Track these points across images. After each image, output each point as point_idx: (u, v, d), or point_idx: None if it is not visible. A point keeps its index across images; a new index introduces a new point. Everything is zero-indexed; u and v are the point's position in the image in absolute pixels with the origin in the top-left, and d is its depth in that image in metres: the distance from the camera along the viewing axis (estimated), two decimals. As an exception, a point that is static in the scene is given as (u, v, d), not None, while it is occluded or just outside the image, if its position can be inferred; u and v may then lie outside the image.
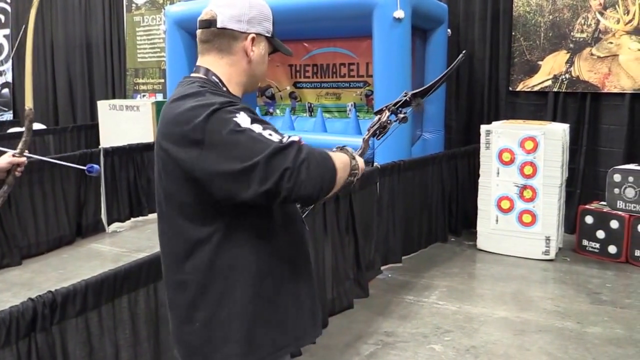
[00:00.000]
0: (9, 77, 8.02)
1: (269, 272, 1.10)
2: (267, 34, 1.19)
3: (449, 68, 1.57)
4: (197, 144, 1.00)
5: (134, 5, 6.81)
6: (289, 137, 1.00)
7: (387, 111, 1.43)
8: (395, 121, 1.43)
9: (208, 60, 1.17)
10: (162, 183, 1.11)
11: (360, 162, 1.19)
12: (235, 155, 0.97)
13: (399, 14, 3.73)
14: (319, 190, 0.99)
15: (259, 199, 0.98)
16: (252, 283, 1.09)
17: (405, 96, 1.46)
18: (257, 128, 0.99)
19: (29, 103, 1.87)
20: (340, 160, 1.08)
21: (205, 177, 1.01)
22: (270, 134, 0.99)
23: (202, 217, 1.06)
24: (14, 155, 1.83)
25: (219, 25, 1.14)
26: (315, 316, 1.20)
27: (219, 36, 1.15)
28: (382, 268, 3.46)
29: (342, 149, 1.18)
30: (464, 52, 1.60)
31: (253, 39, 1.15)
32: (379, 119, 1.41)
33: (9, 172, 1.86)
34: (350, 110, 4.87)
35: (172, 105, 1.08)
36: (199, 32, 1.18)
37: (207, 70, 1.16)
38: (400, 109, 1.45)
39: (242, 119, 0.99)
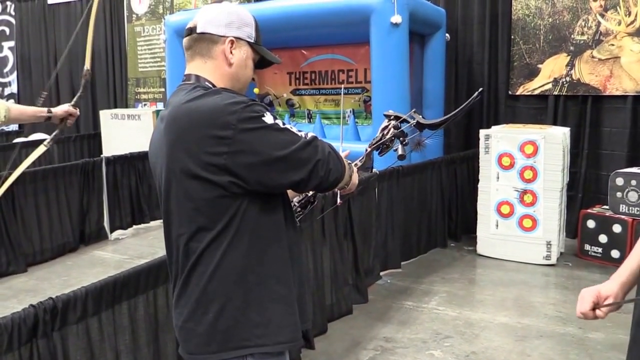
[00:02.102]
0: (14, 89, 8.12)
1: (276, 262, 1.15)
2: (248, 39, 1.20)
3: (462, 106, 1.49)
4: (227, 138, 1.04)
5: (134, 15, 6.90)
6: (307, 133, 1.14)
7: (392, 128, 1.42)
8: (394, 150, 1.43)
9: (194, 67, 1.20)
10: (179, 187, 1.11)
11: (355, 178, 1.27)
12: (269, 146, 1.06)
13: (396, 19, 3.76)
14: (340, 177, 1.17)
15: (290, 187, 1.12)
16: (264, 271, 1.13)
17: (412, 118, 1.44)
18: (280, 123, 1.10)
19: (87, 65, 2.31)
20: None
21: (238, 169, 1.06)
22: (291, 128, 1.12)
23: (219, 212, 1.10)
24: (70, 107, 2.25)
25: (198, 30, 1.18)
26: (304, 307, 1.25)
27: (199, 41, 1.19)
28: (381, 274, 3.46)
29: (348, 164, 1.25)
30: (480, 90, 1.55)
31: (232, 42, 1.18)
32: (383, 134, 1.41)
33: (62, 120, 2.34)
34: (348, 116, 4.89)
35: (186, 107, 1.09)
36: (183, 40, 1.22)
37: (198, 77, 1.18)
38: (403, 132, 1.43)
39: (268, 117, 1.09)
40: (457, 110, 1.48)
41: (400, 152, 1.42)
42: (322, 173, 1.11)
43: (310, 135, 1.13)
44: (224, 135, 1.04)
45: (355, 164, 1.38)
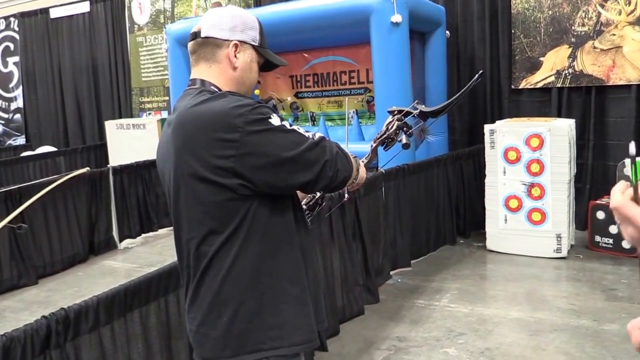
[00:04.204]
0: (20, 103, 8.21)
1: (289, 263, 1.15)
2: (252, 42, 1.20)
3: (463, 90, 1.47)
4: (235, 141, 1.05)
5: (136, 26, 6.96)
6: (314, 134, 1.13)
7: (396, 121, 1.41)
8: (399, 141, 1.42)
9: (199, 71, 1.20)
10: (188, 190, 1.11)
11: (362, 172, 1.26)
12: (277, 147, 1.06)
13: (397, 18, 3.76)
14: (348, 176, 1.17)
15: (299, 187, 1.12)
16: (277, 273, 1.13)
17: (415, 109, 1.44)
18: (288, 125, 1.10)
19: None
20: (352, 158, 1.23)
21: (246, 171, 1.07)
22: (298, 128, 1.12)
23: (228, 215, 1.09)
24: None
25: (202, 34, 1.19)
26: (319, 307, 1.24)
27: (203, 45, 1.19)
28: (392, 273, 3.45)
29: (354, 158, 1.24)
30: (480, 72, 1.52)
31: (236, 46, 1.18)
32: (387, 128, 1.40)
33: None
34: (352, 117, 4.90)
35: (192, 111, 1.09)
36: (188, 45, 1.22)
37: (203, 81, 1.18)
38: (407, 123, 1.42)
39: (275, 119, 1.09)
40: (458, 94, 1.46)
41: (404, 140, 1.41)
42: (330, 173, 1.11)
43: (317, 135, 1.13)
44: (231, 138, 1.05)
45: (362, 161, 1.36)
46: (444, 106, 1.46)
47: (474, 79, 1.45)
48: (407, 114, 1.43)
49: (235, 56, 1.18)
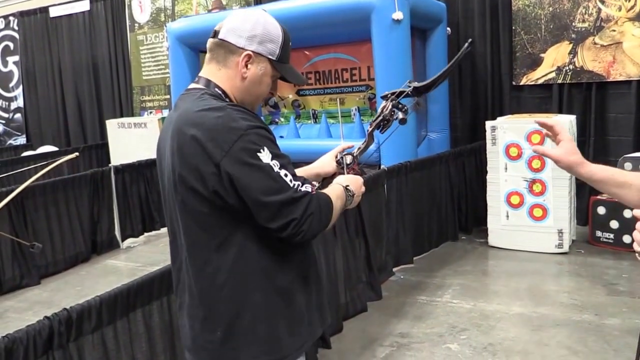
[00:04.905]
0: (20, 103, 8.20)
1: (283, 273, 1.13)
2: (269, 56, 1.15)
3: (453, 60, 1.44)
4: (217, 163, 1.03)
5: (136, 24, 6.95)
6: (304, 184, 1.08)
7: (389, 102, 1.40)
8: (396, 119, 1.41)
9: (208, 71, 1.18)
10: (177, 195, 1.12)
11: (355, 185, 1.23)
12: (253, 186, 1.03)
13: (398, 15, 3.75)
14: (314, 237, 1.11)
15: (264, 228, 1.08)
16: (270, 285, 1.12)
17: (408, 87, 1.43)
18: (275, 166, 1.05)
19: None
20: (337, 197, 1.18)
21: (223, 192, 1.06)
22: (286, 175, 1.06)
23: (217, 226, 1.09)
24: None
25: (220, 36, 1.15)
26: (322, 310, 1.24)
27: (219, 47, 1.16)
28: (394, 269, 3.46)
29: (341, 181, 1.22)
30: (469, 40, 1.46)
31: (249, 57, 1.13)
32: (382, 111, 1.40)
33: None
34: (354, 114, 4.89)
35: (191, 118, 1.07)
36: (208, 41, 1.19)
37: (208, 82, 1.16)
38: (401, 102, 1.41)
39: (265, 154, 1.04)
40: (448, 65, 1.45)
41: (401, 116, 1.40)
42: (292, 231, 1.06)
43: (304, 189, 1.07)
44: (214, 158, 1.04)
45: (359, 148, 1.37)
46: (435, 79, 1.45)
47: (463, 48, 1.43)
48: (401, 94, 1.43)
49: (246, 66, 1.13)
